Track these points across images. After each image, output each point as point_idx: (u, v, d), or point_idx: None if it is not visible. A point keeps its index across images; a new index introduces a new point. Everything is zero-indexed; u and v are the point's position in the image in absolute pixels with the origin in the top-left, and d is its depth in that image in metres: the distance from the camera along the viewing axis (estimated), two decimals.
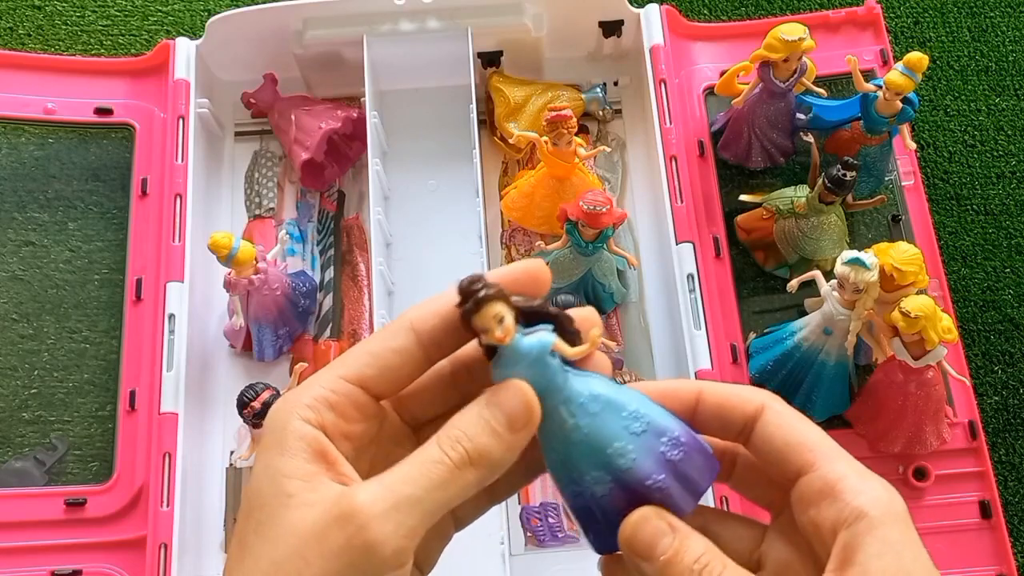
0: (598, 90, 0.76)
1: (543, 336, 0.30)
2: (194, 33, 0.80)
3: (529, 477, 0.33)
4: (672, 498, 0.30)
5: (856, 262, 0.57)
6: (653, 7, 0.74)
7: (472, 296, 0.29)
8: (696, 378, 0.63)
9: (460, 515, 0.33)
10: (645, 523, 0.29)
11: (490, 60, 0.75)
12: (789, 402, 0.30)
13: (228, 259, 0.63)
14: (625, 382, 0.58)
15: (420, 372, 0.31)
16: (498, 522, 0.63)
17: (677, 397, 0.31)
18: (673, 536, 0.29)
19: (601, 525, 0.32)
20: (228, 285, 0.66)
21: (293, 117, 0.72)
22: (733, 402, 0.31)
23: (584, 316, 0.31)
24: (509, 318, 0.29)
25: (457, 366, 0.32)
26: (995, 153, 0.77)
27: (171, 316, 0.66)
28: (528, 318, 0.30)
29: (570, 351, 0.30)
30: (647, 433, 0.30)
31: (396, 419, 0.32)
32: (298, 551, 0.27)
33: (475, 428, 0.29)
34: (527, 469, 0.32)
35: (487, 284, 0.29)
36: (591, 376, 0.30)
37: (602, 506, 0.31)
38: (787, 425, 0.30)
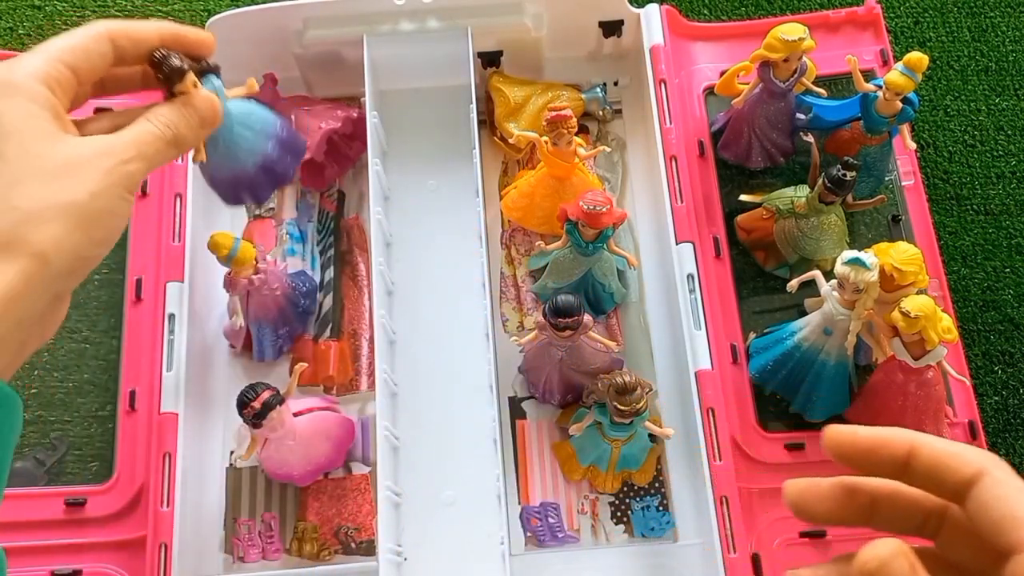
0: (598, 90, 0.76)
1: (214, 82, 0.51)
2: None
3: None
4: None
5: (856, 262, 0.57)
6: (653, 7, 0.74)
7: (173, 72, 0.47)
8: (696, 379, 0.63)
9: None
10: (895, 560, 0.28)
11: (490, 60, 0.75)
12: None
13: (228, 259, 0.63)
14: (627, 382, 0.58)
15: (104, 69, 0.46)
16: (498, 522, 0.63)
17: (888, 449, 0.31)
18: None
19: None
20: (228, 285, 0.66)
21: (293, 117, 0.72)
22: (950, 463, 0.30)
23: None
24: (195, 80, 0.49)
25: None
26: (995, 153, 0.77)
27: (171, 316, 0.66)
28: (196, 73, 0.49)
29: (233, 92, 0.55)
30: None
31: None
32: (66, 166, 0.41)
33: (181, 120, 0.46)
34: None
35: (180, 64, 0.47)
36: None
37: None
38: (1005, 496, 0.29)
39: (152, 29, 0.47)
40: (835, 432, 0.31)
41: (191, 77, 0.49)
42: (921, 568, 0.28)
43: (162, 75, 0.49)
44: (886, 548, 0.28)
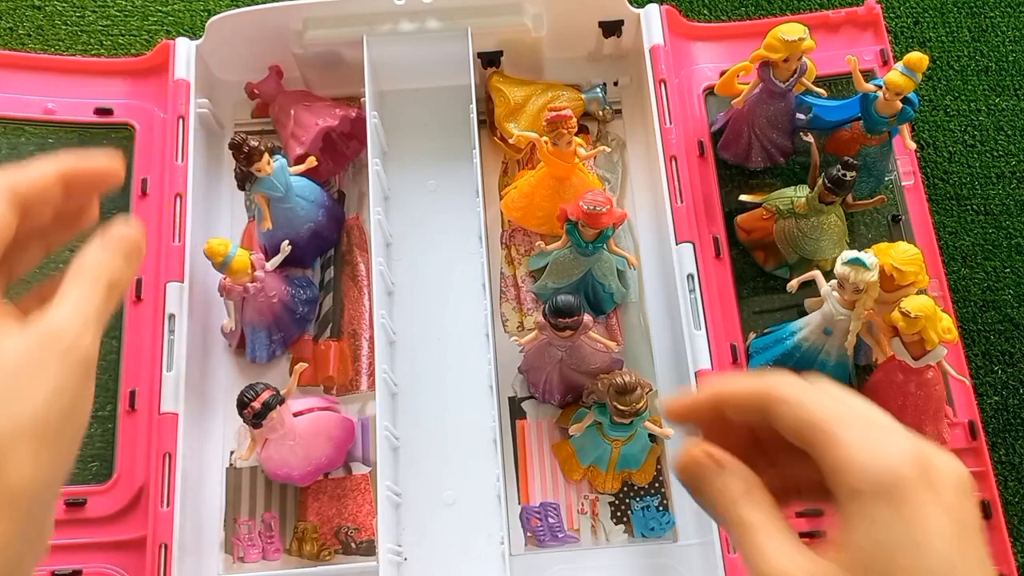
0: (598, 90, 0.76)
1: (280, 160, 0.63)
2: (194, 33, 0.80)
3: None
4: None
5: (856, 262, 0.57)
6: (653, 7, 0.74)
7: (252, 151, 0.61)
8: (696, 379, 0.63)
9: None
10: (695, 462, 0.32)
11: (490, 60, 0.75)
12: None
13: (222, 266, 0.64)
14: (627, 382, 0.58)
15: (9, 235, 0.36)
16: (498, 522, 0.63)
17: (703, 405, 0.34)
18: (719, 472, 0.32)
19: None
20: (223, 290, 0.66)
21: (292, 112, 0.72)
22: (740, 394, 0.32)
23: None
24: (269, 159, 0.61)
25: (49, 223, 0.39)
26: (995, 153, 0.77)
27: (171, 316, 0.66)
28: None
29: (295, 168, 0.66)
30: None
31: None
32: (13, 372, 0.32)
33: (106, 262, 0.37)
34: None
35: (258, 144, 0.60)
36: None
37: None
38: (792, 414, 0.30)
39: (49, 170, 0.38)
40: (669, 405, 0.35)
41: (267, 156, 0.61)
42: (731, 460, 0.32)
43: (243, 155, 0.60)
44: (692, 444, 0.32)
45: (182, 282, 0.67)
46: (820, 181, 0.64)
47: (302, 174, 0.68)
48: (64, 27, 0.81)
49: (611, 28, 0.75)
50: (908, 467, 0.27)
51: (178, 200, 0.69)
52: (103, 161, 0.38)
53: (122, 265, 0.38)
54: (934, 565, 0.26)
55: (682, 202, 0.68)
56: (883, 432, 0.28)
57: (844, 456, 0.28)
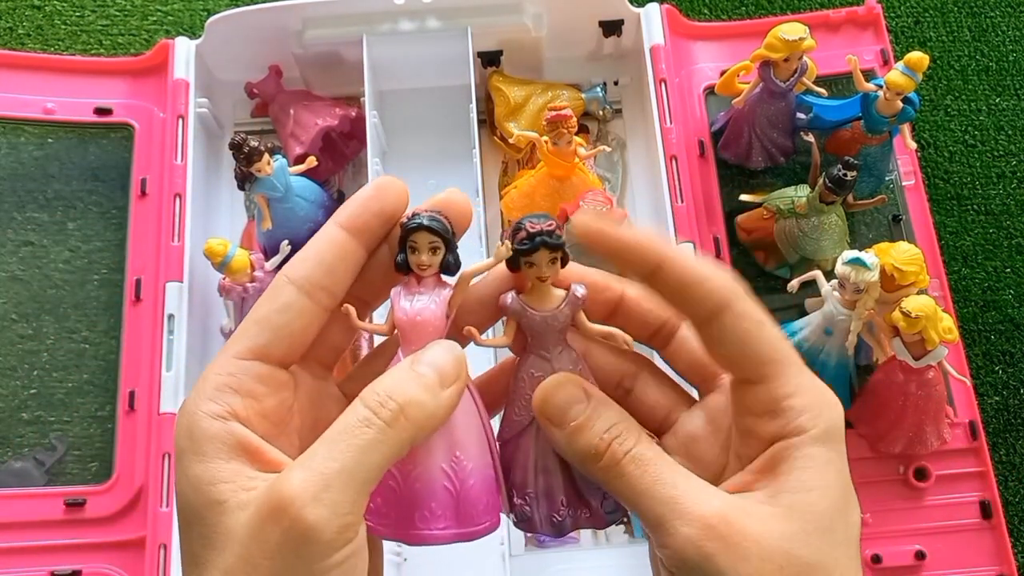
0: (598, 90, 0.76)
1: (280, 159, 0.60)
2: (194, 33, 0.80)
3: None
4: None
5: (857, 262, 0.57)
6: (653, 6, 0.74)
7: (252, 152, 0.55)
8: None
9: None
10: (559, 389, 0.29)
11: (490, 60, 0.75)
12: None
13: (222, 266, 0.64)
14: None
15: (316, 323, 0.29)
16: None
17: (638, 255, 0.29)
18: (587, 404, 0.29)
19: None
20: (222, 290, 0.66)
21: (292, 111, 0.72)
22: (695, 291, 0.29)
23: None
24: (269, 159, 0.56)
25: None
26: (995, 153, 0.77)
27: (170, 316, 0.66)
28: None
29: (295, 168, 0.63)
30: None
31: (332, 383, 0.32)
32: (243, 556, 0.26)
33: (404, 383, 0.27)
34: None
35: (259, 145, 0.52)
36: None
37: None
38: (749, 331, 0.29)
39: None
40: (584, 223, 0.30)
41: (267, 157, 0.58)
42: (594, 390, 0.30)
43: (243, 155, 0.58)
44: (553, 381, 0.30)
45: (181, 282, 0.67)
46: (821, 181, 0.64)
47: (302, 174, 0.68)
48: (64, 27, 0.81)
49: (611, 28, 0.75)
50: (840, 416, 0.29)
51: (177, 200, 0.69)
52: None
53: (427, 400, 0.27)
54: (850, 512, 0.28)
55: (682, 202, 0.68)
56: (811, 379, 0.29)
57: (792, 398, 0.28)
